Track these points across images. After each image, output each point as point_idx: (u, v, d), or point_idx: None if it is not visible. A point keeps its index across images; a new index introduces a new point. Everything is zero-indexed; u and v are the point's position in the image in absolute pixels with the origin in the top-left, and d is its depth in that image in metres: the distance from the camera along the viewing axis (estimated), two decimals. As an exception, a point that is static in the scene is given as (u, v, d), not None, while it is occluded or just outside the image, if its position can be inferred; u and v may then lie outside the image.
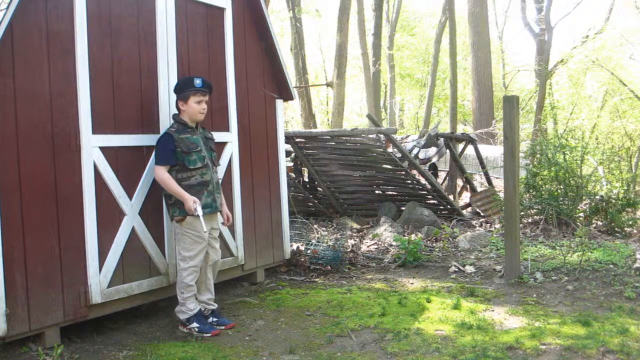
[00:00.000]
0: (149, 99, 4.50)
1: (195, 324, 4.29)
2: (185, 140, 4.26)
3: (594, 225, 7.91)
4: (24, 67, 3.71)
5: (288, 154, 9.07)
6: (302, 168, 9.72)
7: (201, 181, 4.29)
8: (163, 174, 4.20)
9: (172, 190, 4.19)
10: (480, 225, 8.64)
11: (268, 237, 5.71)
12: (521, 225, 7.67)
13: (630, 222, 7.75)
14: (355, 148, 8.73)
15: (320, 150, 8.79)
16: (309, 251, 6.36)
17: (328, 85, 17.94)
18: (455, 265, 6.24)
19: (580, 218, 7.95)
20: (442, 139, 10.31)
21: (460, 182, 11.04)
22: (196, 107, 4.32)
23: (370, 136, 8.75)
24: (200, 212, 4.16)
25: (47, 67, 3.84)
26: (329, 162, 8.82)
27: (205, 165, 4.31)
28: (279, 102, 5.85)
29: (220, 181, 4.59)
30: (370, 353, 3.87)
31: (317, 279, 5.94)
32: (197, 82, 4.32)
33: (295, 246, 6.38)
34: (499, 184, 10.98)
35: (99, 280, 4.09)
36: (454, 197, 10.20)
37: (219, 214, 4.55)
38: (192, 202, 4.15)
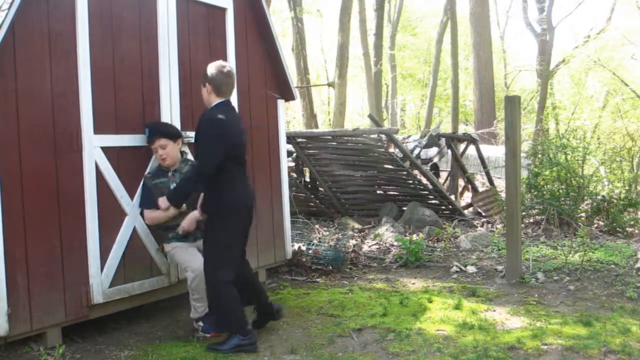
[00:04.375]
0: (151, 100, 4.50)
1: (201, 323, 4.29)
2: (159, 185, 4.29)
3: (595, 226, 7.90)
4: (25, 68, 3.72)
5: (290, 154, 9.07)
6: (304, 168, 9.72)
7: (174, 224, 4.30)
8: (149, 214, 4.28)
9: (162, 217, 4.23)
10: (482, 226, 8.63)
11: (269, 237, 5.71)
12: (523, 225, 7.66)
13: (632, 222, 7.75)
14: (357, 148, 8.74)
15: (322, 151, 8.79)
16: (310, 251, 6.36)
17: (329, 85, 17.95)
18: (456, 266, 6.24)
19: (582, 218, 7.94)
20: (443, 139, 10.31)
21: (461, 182, 11.04)
22: (155, 155, 4.33)
23: (372, 136, 8.76)
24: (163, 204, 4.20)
25: (49, 67, 3.84)
26: (331, 162, 8.83)
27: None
28: (281, 102, 5.85)
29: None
30: (372, 353, 3.87)
31: (318, 279, 5.94)
32: (146, 131, 4.26)
33: (296, 246, 6.37)
34: (500, 184, 10.96)
35: (100, 280, 4.09)
36: (456, 197, 10.19)
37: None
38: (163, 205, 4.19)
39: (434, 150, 10.27)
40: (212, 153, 3.83)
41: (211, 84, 3.97)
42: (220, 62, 4.10)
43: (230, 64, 5.21)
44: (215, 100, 3.99)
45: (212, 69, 4.02)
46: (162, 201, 4.16)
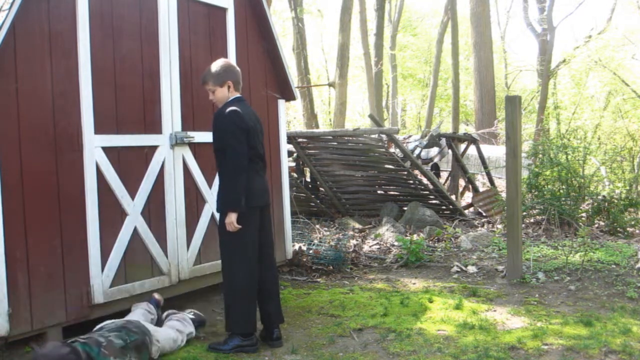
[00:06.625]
0: (151, 99, 4.50)
1: None
2: None
3: (596, 226, 7.90)
4: (26, 68, 3.72)
5: (290, 154, 9.08)
6: (304, 168, 9.72)
7: None
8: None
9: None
10: (483, 226, 8.63)
11: (270, 237, 5.70)
12: (523, 225, 7.66)
13: (633, 222, 7.75)
14: (357, 148, 8.74)
15: (323, 151, 8.79)
16: (311, 251, 6.36)
17: (330, 85, 17.95)
18: (457, 266, 6.24)
19: (583, 218, 7.94)
20: (444, 139, 10.31)
21: (462, 182, 11.04)
22: None
23: (372, 136, 8.76)
24: None
25: (49, 67, 3.84)
26: (331, 162, 8.82)
27: None
28: (281, 102, 5.84)
29: None
30: (373, 353, 3.87)
31: (319, 279, 5.94)
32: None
33: (297, 246, 6.37)
34: (501, 184, 10.97)
35: (101, 280, 4.09)
36: (456, 197, 10.19)
37: None
38: None
39: (434, 150, 10.27)
40: (235, 145, 3.82)
41: (232, 80, 4.04)
42: (225, 59, 4.16)
43: (231, 63, 5.22)
44: (232, 96, 4.04)
45: (225, 66, 4.07)
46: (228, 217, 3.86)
